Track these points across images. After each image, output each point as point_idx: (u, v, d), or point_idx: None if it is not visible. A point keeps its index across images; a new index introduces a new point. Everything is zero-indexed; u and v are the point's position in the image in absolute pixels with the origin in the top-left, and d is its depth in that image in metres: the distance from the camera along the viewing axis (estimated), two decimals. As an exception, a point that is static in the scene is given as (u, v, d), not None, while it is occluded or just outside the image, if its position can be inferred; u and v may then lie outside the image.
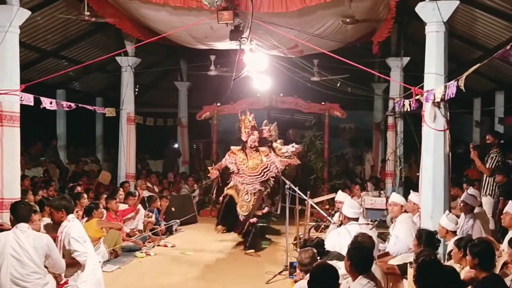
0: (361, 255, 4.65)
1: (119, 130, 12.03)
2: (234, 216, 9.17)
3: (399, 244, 6.79)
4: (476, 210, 7.41)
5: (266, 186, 9.37)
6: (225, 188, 9.33)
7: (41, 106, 8.18)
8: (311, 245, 6.15)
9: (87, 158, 15.46)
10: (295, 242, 8.95)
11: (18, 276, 5.18)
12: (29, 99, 7.68)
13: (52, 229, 6.56)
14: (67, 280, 5.68)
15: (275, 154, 9.65)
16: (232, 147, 9.64)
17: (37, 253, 5.27)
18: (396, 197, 7.71)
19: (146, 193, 11.47)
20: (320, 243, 6.23)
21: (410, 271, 5.40)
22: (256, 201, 9.17)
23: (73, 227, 5.61)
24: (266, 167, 9.21)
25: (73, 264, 5.62)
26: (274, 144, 9.96)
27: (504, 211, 6.57)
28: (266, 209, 9.61)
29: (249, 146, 9.25)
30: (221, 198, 9.43)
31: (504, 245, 5.83)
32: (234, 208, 9.13)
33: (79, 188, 10.53)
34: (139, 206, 10.03)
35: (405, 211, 7.50)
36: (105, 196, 9.75)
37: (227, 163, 9.41)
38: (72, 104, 9.38)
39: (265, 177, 9.23)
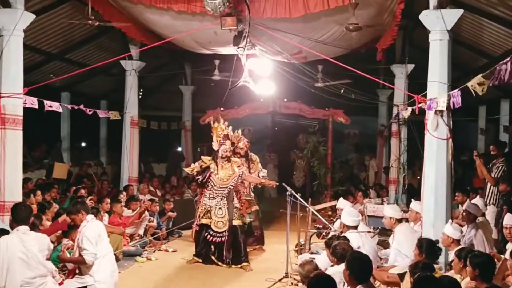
0: (361, 264, 4.61)
1: (123, 134, 12.05)
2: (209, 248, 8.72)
3: (405, 261, 6.50)
4: (479, 219, 7.35)
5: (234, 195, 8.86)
6: (197, 218, 8.73)
7: (45, 110, 8.18)
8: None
9: (90, 160, 15.44)
10: (296, 249, 8.92)
11: (26, 279, 5.23)
12: (33, 103, 7.68)
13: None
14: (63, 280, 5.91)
15: (250, 166, 9.49)
16: (203, 157, 8.89)
17: (42, 255, 5.38)
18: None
19: (148, 197, 11.46)
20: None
21: (407, 279, 5.35)
22: (230, 210, 8.64)
23: (89, 227, 5.77)
24: (235, 179, 8.64)
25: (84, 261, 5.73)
26: (254, 156, 9.79)
27: (504, 224, 6.47)
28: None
29: (221, 156, 8.58)
30: (195, 228, 8.82)
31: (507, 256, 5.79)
32: (207, 239, 8.61)
33: (82, 191, 10.44)
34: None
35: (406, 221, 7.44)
36: (108, 199, 9.64)
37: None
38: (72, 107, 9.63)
39: (231, 188, 8.66)
